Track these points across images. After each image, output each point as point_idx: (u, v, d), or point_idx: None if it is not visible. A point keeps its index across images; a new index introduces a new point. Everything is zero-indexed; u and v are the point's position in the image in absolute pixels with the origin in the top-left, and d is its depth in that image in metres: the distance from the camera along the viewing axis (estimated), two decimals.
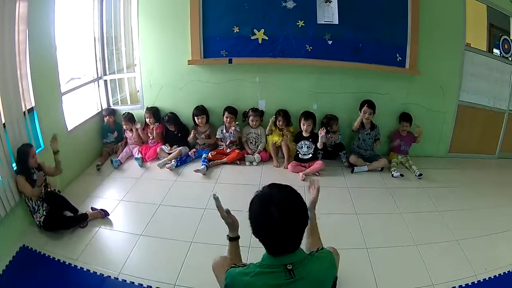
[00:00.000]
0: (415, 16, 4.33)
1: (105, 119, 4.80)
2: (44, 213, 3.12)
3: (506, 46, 4.66)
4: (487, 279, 2.70)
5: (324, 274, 1.57)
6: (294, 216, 1.46)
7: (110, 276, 2.67)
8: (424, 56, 4.46)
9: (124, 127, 4.83)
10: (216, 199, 2.01)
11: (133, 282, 2.62)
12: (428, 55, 4.45)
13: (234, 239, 2.07)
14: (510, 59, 4.70)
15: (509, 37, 4.66)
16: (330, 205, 3.67)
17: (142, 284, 2.60)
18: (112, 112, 4.85)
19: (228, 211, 2.00)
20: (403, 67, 4.48)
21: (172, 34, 4.54)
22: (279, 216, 1.42)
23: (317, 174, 4.33)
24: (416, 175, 4.30)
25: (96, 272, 2.70)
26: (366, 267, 2.78)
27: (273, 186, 1.57)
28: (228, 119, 4.65)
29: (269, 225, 1.45)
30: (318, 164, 4.35)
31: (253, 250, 2.83)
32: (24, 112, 3.27)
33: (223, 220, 2.04)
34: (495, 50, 4.66)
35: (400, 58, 4.47)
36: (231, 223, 2.05)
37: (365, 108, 4.46)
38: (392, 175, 4.31)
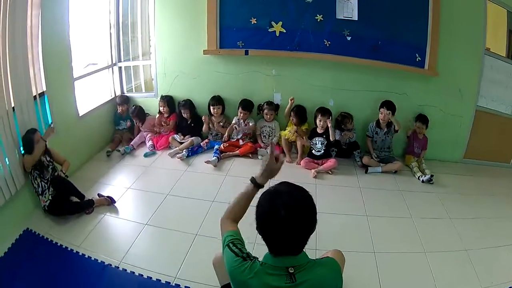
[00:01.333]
0: (435, 17, 4.18)
1: (119, 108, 4.80)
2: (50, 197, 3.14)
3: None
4: None
5: (327, 283, 1.51)
6: (301, 217, 1.41)
7: (110, 265, 2.68)
8: (443, 58, 4.31)
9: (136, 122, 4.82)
10: (272, 144, 1.87)
11: (134, 272, 2.62)
12: (447, 57, 4.31)
13: (258, 186, 1.79)
14: None
15: None
16: (341, 205, 3.62)
17: (142, 275, 2.59)
18: (125, 101, 4.84)
19: (278, 157, 1.80)
20: (422, 67, 4.34)
21: (189, 23, 4.50)
22: (286, 215, 1.38)
23: (330, 172, 4.26)
24: (423, 179, 4.17)
25: (97, 260, 2.71)
26: (373, 272, 2.72)
27: (284, 184, 1.52)
28: (242, 115, 4.60)
29: (274, 223, 1.40)
30: (331, 162, 4.28)
31: (258, 247, 2.82)
32: (35, 96, 3.28)
33: (265, 165, 1.78)
34: None
35: (420, 59, 4.33)
36: (271, 171, 1.80)
37: (381, 109, 4.38)
38: (422, 181, 4.17)
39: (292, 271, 1.42)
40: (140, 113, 4.79)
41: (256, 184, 1.78)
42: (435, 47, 4.26)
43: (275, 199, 1.43)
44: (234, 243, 1.60)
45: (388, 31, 4.28)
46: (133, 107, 4.81)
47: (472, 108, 4.54)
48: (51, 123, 3.50)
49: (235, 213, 1.80)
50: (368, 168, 4.34)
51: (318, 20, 4.28)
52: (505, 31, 4.43)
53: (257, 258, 1.54)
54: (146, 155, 4.50)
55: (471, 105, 4.53)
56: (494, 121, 4.62)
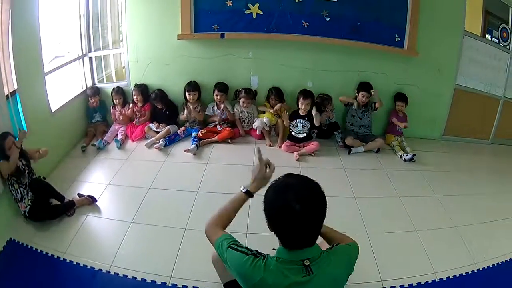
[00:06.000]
0: None
1: (90, 100, 4.54)
2: (29, 203, 2.94)
3: (504, 35, 4.66)
4: (486, 268, 2.71)
5: (341, 272, 1.51)
6: (315, 208, 1.39)
7: (101, 270, 2.54)
8: (423, 37, 4.36)
9: (116, 101, 4.59)
10: (259, 151, 1.88)
11: (126, 276, 2.49)
12: (427, 37, 4.36)
13: (250, 195, 1.82)
14: (508, 47, 4.71)
15: (508, 26, 4.65)
16: (328, 187, 3.54)
17: (135, 278, 2.48)
18: (96, 92, 4.59)
19: (268, 163, 1.86)
20: (402, 47, 4.39)
21: (161, 7, 4.28)
22: (301, 209, 1.34)
23: (313, 154, 4.24)
24: (405, 158, 4.22)
25: (86, 266, 2.56)
26: (368, 253, 2.73)
27: (290, 176, 1.50)
28: (219, 97, 4.48)
29: (289, 218, 1.36)
30: (313, 144, 4.26)
31: (250, 237, 2.78)
32: (7, 95, 3.05)
33: (256, 173, 1.84)
34: (489, 37, 4.65)
35: (399, 39, 4.36)
36: (263, 179, 1.83)
37: (362, 92, 4.40)
38: (404, 160, 4.22)
39: (308, 263, 1.40)
40: (122, 91, 4.61)
41: (247, 192, 1.80)
42: (415, 27, 4.31)
43: (287, 193, 1.39)
44: (237, 244, 1.55)
45: (367, 12, 4.27)
46: (115, 88, 4.60)
47: (451, 86, 4.66)
48: (21, 128, 3.27)
49: (223, 221, 1.76)
50: (351, 148, 4.35)
51: (297, 1, 4.19)
52: (481, 11, 4.50)
53: (269, 254, 1.49)
54: (116, 141, 4.33)
55: (450, 84, 4.65)
56: (473, 99, 4.78)
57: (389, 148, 4.51)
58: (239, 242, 1.57)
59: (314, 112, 4.21)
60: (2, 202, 2.93)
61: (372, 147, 4.39)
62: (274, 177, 1.55)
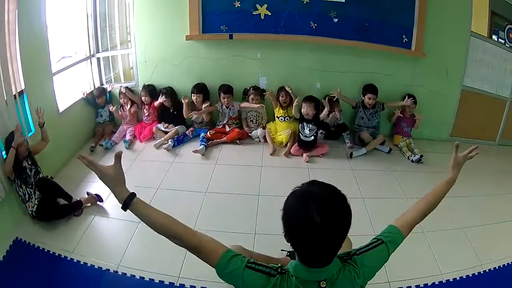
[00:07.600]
0: None
1: (97, 100, 4.56)
2: (37, 202, 2.95)
3: (511, 35, 4.62)
4: (492, 269, 2.70)
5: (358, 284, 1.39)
6: (337, 223, 1.24)
7: (109, 269, 2.56)
8: (430, 38, 4.34)
9: (122, 101, 4.60)
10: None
11: (134, 275, 2.51)
12: (434, 38, 4.34)
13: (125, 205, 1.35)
14: None
15: None
16: None
17: (143, 277, 2.49)
18: (103, 92, 4.60)
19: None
20: (409, 48, 4.37)
21: (170, 8, 4.29)
22: (321, 222, 1.19)
23: (321, 156, 4.25)
24: (412, 159, 4.21)
25: (94, 265, 2.58)
26: None
27: (316, 184, 1.32)
28: (226, 100, 4.47)
29: (308, 231, 1.21)
30: (323, 148, 4.28)
31: (258, 238, 2.75)
32: (14, 95, 3.07)
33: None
34: (495, 37, 4.60)
35: (406, 40, 4.34)
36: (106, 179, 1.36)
37: (369, 95, 4.39)
38: (412, 161, 4.20)
39: (324, 285, 1.30)
40: (132, 90, 4.63)
41: (126, 203, 1.34)
42: (422, 28, 4.29)
43: (309, 203, 1.22)
44: (252, 262, 1.35)
45: (375, 13, 4.25)
46: (125, 87, 4.62)
47: (458, 87, 4.64)
48: (29, 128, 3.30)
49: (178, 227, 1.41)
50: (353, 152, 4.30)
51: (304, 2, 4.18)
52: (487, 12, 4.47)
53: (288, 271, 1.34)
54: (125, 142, 4.34)
55: (457, 85, 4.62)
56: (480, 100, 4.74)
57: (397, 149, 4.49)
58: (250, 259, 1.37)
59: (322, 114, 4.22)
60: (8, 202, 2.95)
61: (373, 146, 4.38)
62: (297, 183, 1.35)
